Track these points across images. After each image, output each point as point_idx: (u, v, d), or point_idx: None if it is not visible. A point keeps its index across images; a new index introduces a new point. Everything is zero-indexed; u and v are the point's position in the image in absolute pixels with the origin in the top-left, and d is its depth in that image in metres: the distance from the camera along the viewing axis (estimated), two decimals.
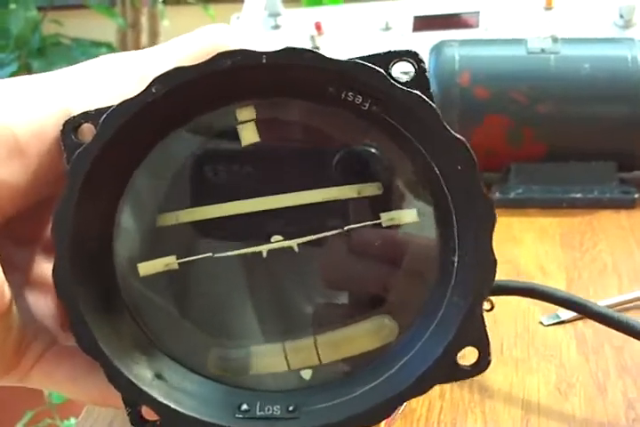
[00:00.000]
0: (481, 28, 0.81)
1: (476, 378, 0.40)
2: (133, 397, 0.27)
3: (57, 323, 0.30)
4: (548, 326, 0.45)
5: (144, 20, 2.05)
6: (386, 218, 0.28)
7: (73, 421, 1.16)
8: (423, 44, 0.75)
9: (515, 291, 0.41)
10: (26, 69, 1.79)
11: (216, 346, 0.29)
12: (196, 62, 0.27)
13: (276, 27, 0.88)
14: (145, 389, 0.27)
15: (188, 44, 0.29)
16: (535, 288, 0.41)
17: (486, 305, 0.39)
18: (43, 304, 0.30)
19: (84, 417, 0.39)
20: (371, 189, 0.28)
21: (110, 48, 1.99)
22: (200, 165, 0.29)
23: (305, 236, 0.28)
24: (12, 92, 0.28)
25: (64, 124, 0.27)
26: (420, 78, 0.27)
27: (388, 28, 0.83)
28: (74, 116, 0.27)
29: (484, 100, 0.63)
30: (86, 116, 0.27)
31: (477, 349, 0.28)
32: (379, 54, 0.27)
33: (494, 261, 0.27)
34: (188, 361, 0.29)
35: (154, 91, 0.26)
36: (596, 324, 0.45)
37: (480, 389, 0.40)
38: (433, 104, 0.26)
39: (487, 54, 0.65)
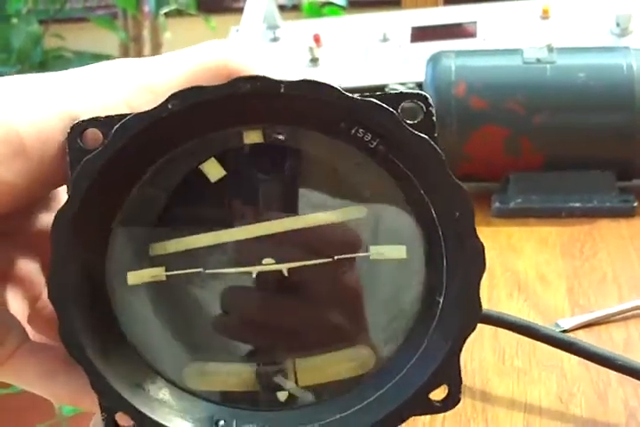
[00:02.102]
0: (479, 37, 0.81)
1: (478, 387, 0.41)
2: (112, 403, 0.27)
3: (26, 318, 0.30)
4: None
5: (146, 33, 2.06)
6: (375, 251, 0.28)
7: None
8: (421, 54, 0.75)
9: None
10: None
11: (195, 361, 0.29)
12: (198, 77, 0.27)
13: (275, 39, 0.89)
14: (125, 396, 0.27)
15: (192, 58, 0.29)
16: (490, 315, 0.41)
17: None
18: (16, 299, 0.30)
19: None
20: (355, 212, 0.28)
21: None
22: (192, 190, 0.29)
23: (295, 261, 0.28)
24: (16, 91, 0.27)
25: (71, 128, 0.27)
26: (428, 121, 0.27)
27: (385, 40, 0.83)
28: (82, 121, 0.27)
29: (480, 110, 0.63)
30: (94, 123, 0.27)
31: (450, 387, 0.28)
32: (389, 94, 0.27)
33: (480, 308, 0.27)
34: (168, 373, 0.29)
35: (170, 106, 0.26)
36: (596, 332, 0.45)
37: (482, 398, 0.40)
38: (439, 150, 0.26)
39: (483, 65, 0.66)
